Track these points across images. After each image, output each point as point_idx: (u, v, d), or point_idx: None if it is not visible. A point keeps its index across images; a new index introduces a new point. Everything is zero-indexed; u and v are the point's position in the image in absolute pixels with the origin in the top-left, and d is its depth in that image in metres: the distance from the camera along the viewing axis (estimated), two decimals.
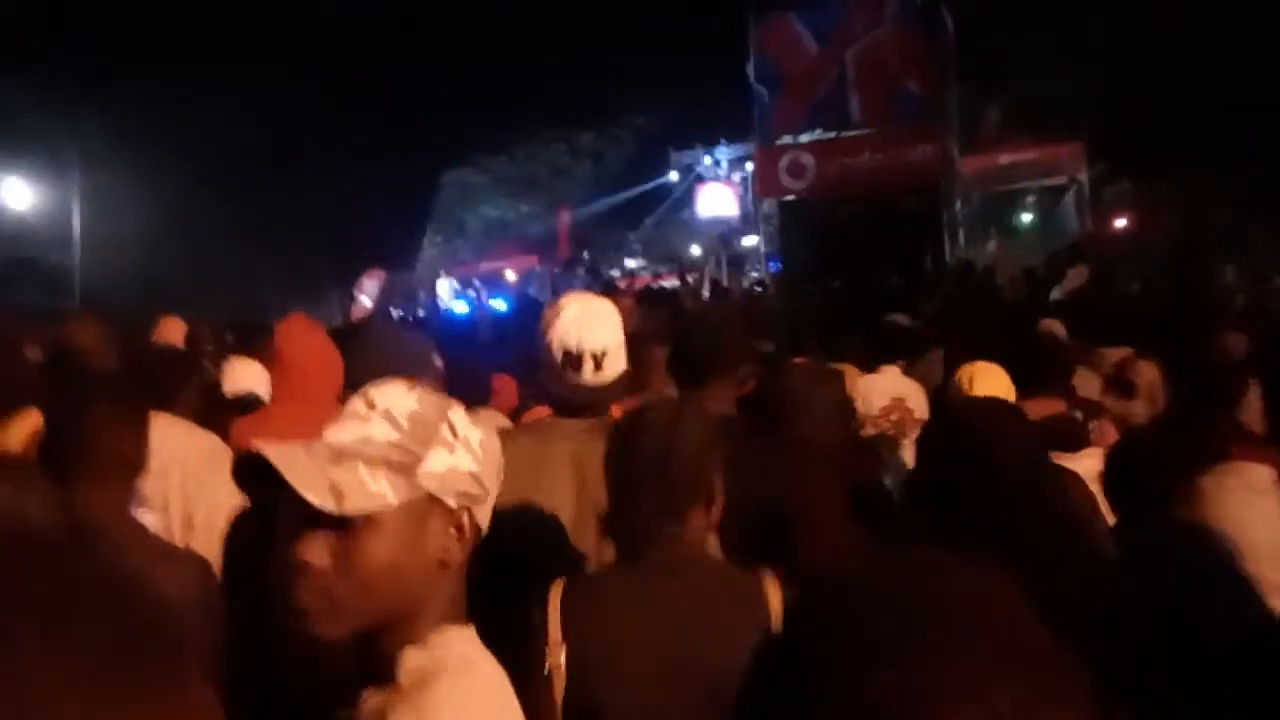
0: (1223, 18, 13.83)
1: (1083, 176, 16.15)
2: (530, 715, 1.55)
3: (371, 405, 1.18)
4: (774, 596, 1.61)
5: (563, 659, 1.56)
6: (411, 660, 1.15)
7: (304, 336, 2.99)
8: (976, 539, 1.76)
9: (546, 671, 1.55)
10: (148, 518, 2.39)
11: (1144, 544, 2.38)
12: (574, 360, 2.11)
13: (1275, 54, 12.74)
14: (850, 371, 4.66)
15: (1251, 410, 3.55)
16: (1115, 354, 4.48)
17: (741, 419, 2.60)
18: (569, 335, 2.12)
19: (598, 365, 2.12)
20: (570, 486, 2.07)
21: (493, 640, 1.98)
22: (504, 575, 2.01)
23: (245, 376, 3.77)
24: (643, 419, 1.74)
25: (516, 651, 1.94)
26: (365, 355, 2.48)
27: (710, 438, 1.73)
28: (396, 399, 1.18)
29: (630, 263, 22.13)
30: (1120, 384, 4.23)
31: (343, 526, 1.11)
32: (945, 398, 2.96)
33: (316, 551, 1.11)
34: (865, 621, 0.61)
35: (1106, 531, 2.62)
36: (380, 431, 1.15)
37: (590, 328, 2.12)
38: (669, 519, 1.67)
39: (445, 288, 22.01)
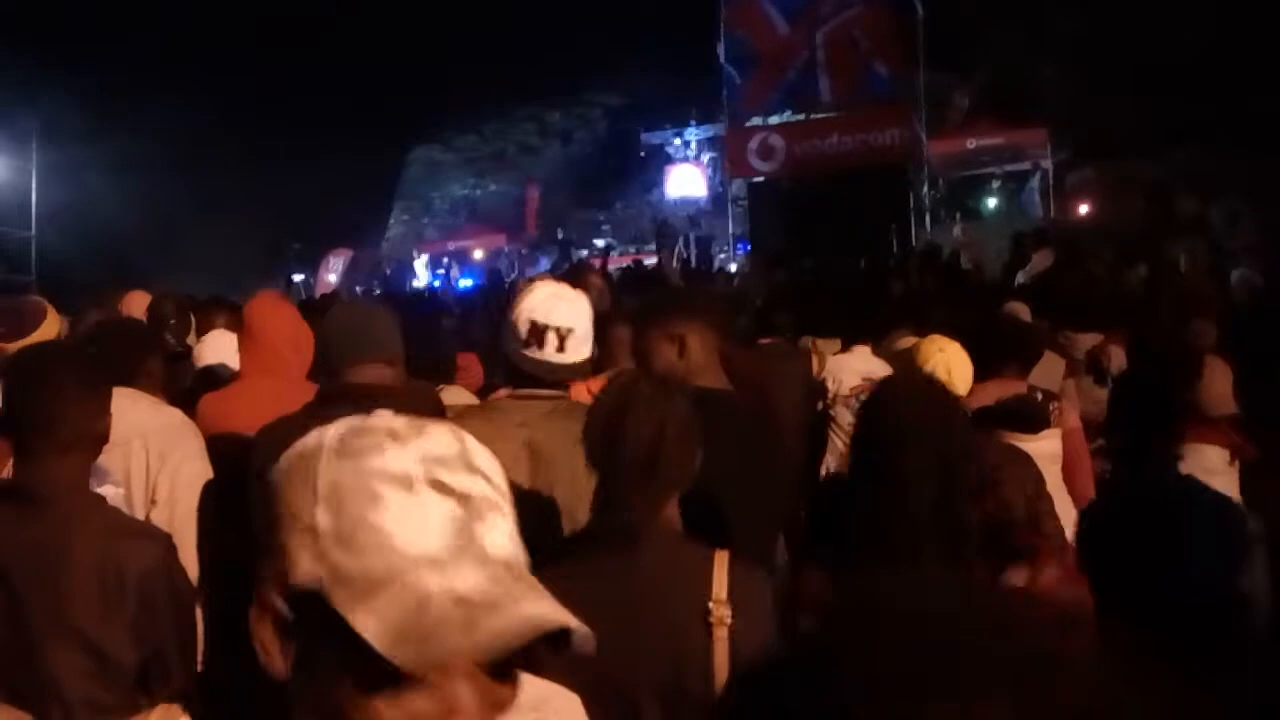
0: (1187, 6, 13.98)
1: (1047, 163, 16.29)
2: None
3: (488, 478, 0.82)
4: (720, 575, 1.61)
5: None
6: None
7: (275, 313, 2.97)
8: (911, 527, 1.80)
9: None
10: (110, 492, 2.37)
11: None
12: (539, 334, 2.12)
13: (1235, 41, 12.91)
14: (821, 351, 4.70)
15: (1211, 393, 3.63)
16: (1087, 339, 4.56)
17: (729, 394, 2.58)
18: (536, 310, 2.13)
19: (561, 344, 2.12)
20: (525, 471, 2.06)
21: None
22: None
23: (221, 348, 3.71)
24: (629, 407, 1.68)
25: None
26: (340, 334, 2.44)
27: (694, 424, 1.70)
28: (488, 460, 0.84)
29: (599, 242, 22.07)
30: (1095, 369, 4.32)
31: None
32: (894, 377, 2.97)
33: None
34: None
35: (1049, 511, 2.66)
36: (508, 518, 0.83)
37: (558, 307, 2.14)
38: (656, 504, 1.66)
39: (422, 266, 21.87)
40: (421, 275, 21.30)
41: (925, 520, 1.94)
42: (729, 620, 1.55)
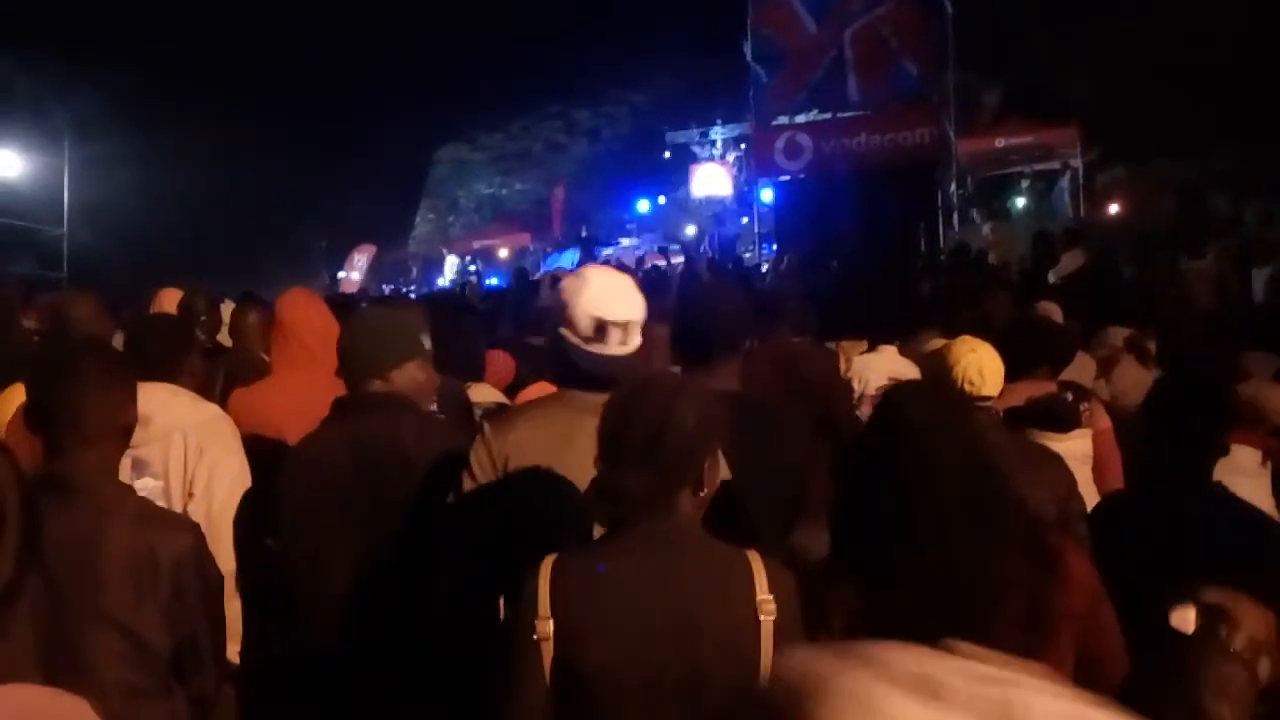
0: (1219, 6, 13.82)
1: (1076, 162, 16.15)
2: (518, 682, 1.59)
3: None
4: (759, 572, 1.63)
5: (550, 630, 1.59)
6: None
7: (305, 308, 2.99)
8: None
9: (535, 639, 1.59)
10: (149, 484, 2.40)
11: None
12: (603, 330, 2.09)
13: (1268, 40, 12.74)
14: (847, 351, 4.70)
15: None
16: (1119, 332, 4.58)
17: (745, 395, 2.58)
18: (598, 305, 2.09)
19: (624, 337, 2.11)
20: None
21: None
22: (530, 542, 2.02)
23: None
24: (640, 394, 1.70)
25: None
26: (359, 334, 2.45)
27: (707, 419, 1.69)
28: None
29: (624, 241, 22.11)
30: (1139, 351, 4.32)
31: None
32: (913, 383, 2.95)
33: None
34: None
35: (1080, 512, 2.64)
36: None
37: (621, 300, 2.11)
38: (658, 497, 1.66)
39: (452, 265, 21.95)
40: (450, 274, 21.39)
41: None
42: (774, 614, 1.60)
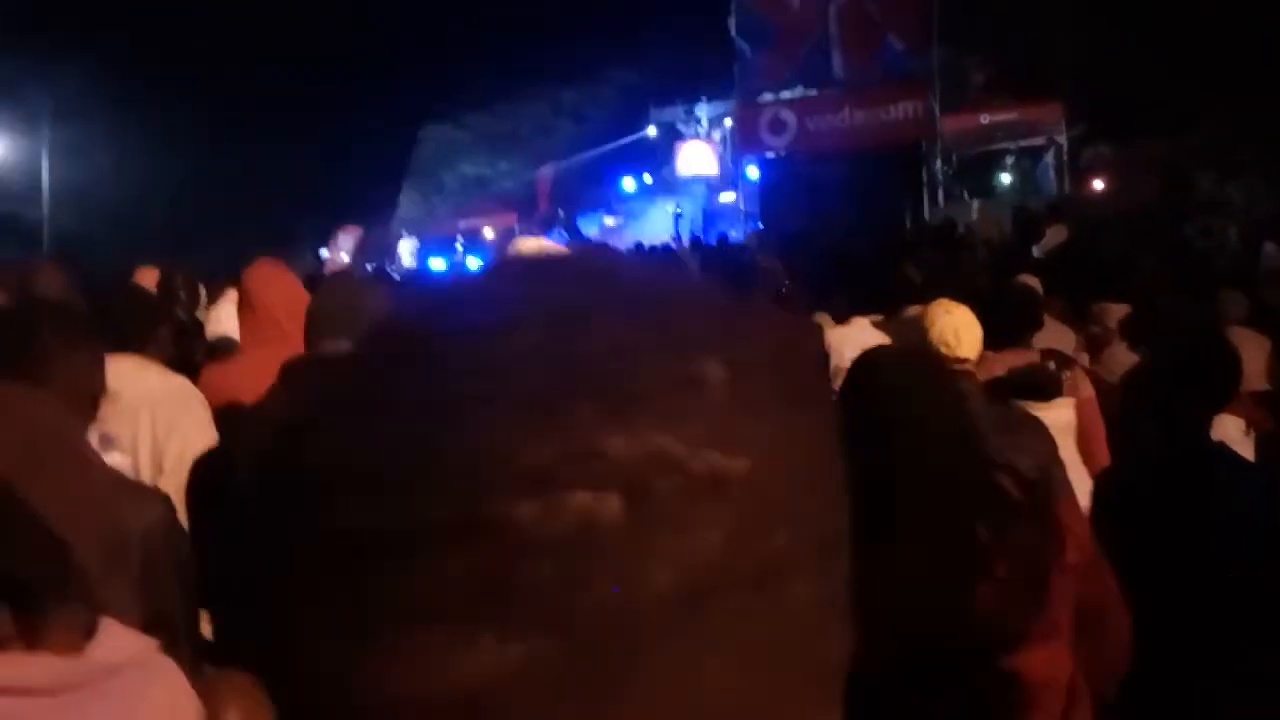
0: None
1: (1061, 138, 16.12)
2: None
3: None
4: None
5: None
6: None
7: (274, 280, 2.93)
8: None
9: None
10: (116, 458, 2.36)
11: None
12: None
13: (1255, 14, 12.73)
14: (825, 324, 4.68)
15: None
16: (1119, 309, 4.55)
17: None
18: None
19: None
20: None
21: None
22: None
23: (228, 320, 3.72)
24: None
25: None
26: (329, 300, 2.39)
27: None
28: None
29: (609, 220, 21.98)
30: (1130, 336, 4.32)
31: None
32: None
33: None
34: None
35: (1062, 479, 2.63)
36: None
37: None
38: None
39: (407, 248, 21.53)
40: (407, 258, 20.74)
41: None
42: None
